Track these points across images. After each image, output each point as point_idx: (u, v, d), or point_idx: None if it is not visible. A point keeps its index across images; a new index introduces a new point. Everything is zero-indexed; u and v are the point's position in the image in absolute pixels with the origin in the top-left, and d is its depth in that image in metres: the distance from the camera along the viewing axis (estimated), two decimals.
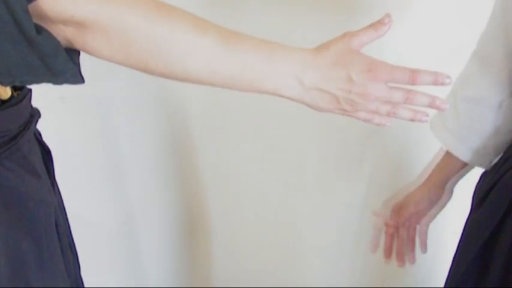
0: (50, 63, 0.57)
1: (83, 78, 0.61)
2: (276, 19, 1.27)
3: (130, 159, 1.34)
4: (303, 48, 0.65)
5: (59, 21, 0.57)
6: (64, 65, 0.58)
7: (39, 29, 0.55)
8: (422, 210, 1.06)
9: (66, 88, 0.64)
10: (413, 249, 1.09)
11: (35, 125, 0.72)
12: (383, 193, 1.11)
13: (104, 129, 1.29)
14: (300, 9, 1.28)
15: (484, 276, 0.90)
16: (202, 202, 1.45)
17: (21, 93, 0.68)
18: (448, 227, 1.36)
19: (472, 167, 1.02)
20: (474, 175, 0.98)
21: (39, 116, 0.73)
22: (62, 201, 0.79)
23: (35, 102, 0.73)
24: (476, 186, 0.96)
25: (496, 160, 0.97)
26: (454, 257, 0.95)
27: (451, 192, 1.06)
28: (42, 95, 0.76)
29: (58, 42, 0.57)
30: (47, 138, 0.77)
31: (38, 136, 0.75)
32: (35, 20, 0.55)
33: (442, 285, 0.98)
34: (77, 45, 0.60)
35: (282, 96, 0.66)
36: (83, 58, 0.62)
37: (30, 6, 0.54)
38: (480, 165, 1.00)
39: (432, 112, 0.71)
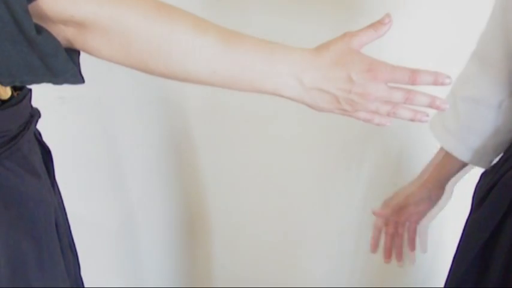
0: (50, 63, 0.57)
1: (83, 78, 0.61)
2: (276, 19, 1.27)
3: (130, 159, 1.34)
4: (303, 48, 0.65)
5: (59, 21, 0.57)
6: (64, 65, 0.58)
7: (39, 29, 0.55)
8: (423, 210, 1.06)
9: (66, 88, 0.64)
10: (413, 249, 1.09)
11: (35, 125, 0.72)
12: (383, 193, 1.11)
13: (103, 129, 1.29)
14: (300, 9, 1.28)
15: (484, 276, 0.90)
16: (202, 202, 1.45)
17: (21, 93, 0.68)
18: (448, 227, 1.36)
19: (471, 167, 1.02)
20: (474, 175, 0.98)
21: (39, 116, 0.73)
22: (62, 201, 0.79)
23: (35, 102, 0.73)
24: (476, 186, 0.96)
25: (496, 160, 0.97)
26: (454, 257, 0.95)
27: (451, 192, 1.06)
28: (42, 95, 0.76)
29: (58, 42, 0.57)
30: (47, 138, 0.77)
31: (38, 136, 0.75)
32: (35, 20, 0.55)
33: (442, 285, 0.98)
34: (77, 45, 0.60)
35: (282, 96, 0.66)
36: (83, 58, 0.62)
37: (30, 6, 0.54)
38: (480, 165, 1.00)
39: (432, 112, 0.71)
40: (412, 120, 0.68)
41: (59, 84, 0.60)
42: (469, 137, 0.98)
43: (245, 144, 1.40)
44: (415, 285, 1.52)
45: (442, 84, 0.65)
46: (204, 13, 0.64)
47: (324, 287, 1.51)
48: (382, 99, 0.65)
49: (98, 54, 0.61)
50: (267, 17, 1.27)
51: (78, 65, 0.60)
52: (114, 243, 1.38)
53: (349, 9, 1.28)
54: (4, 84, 0.61)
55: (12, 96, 0.66)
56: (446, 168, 1.03)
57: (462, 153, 0.99)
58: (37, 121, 0.72)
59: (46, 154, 0.75)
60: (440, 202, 1.06)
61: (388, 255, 1.09)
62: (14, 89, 0.67)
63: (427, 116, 0.69)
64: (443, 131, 1.00)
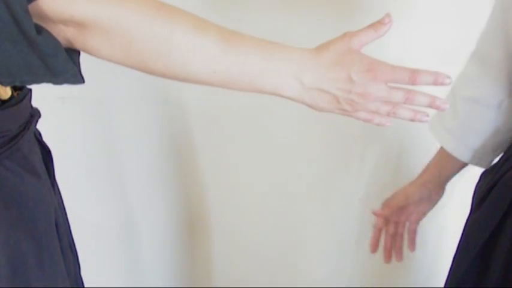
0: (50, 63, 0.57)
1: (83, 78, 0.61)
2: (276, 19, 1.27)
3: (130, 159, 1.34)
4: (303, 48, 0.65)
5: (59, 21, 0.57)
6: (64, 65, 0.58)
7: (39, 29, 0.55)
8: (423, 210, 1.06)
9: (66, 88, 0.64)
10: (413, 249, 1.09)
11: (35, 125, 0.72)
12: (383, 193, 1.11)
13: (103, 129, 1.29)
14: (300, 9, 1.28)
15: (484, 276, 0.90)
16: (202, 202, 1.45)
17: (21, 93, 0.68)
18: (448, 227, 1.36)
19: (466, 165, 1.02)
20: (474, 175, 0.98)
21: (39, 116, 0.73)
22: (62, 201, 0.79)
23: (35, 102, 0.73)
24: (476, 186, 0.96)
25: (496, 160, 0.97)
26: (454, 257, 0.95)
27: (443, 190, 1.06)
28: (42, 95, 0.76)
29: (58, 42, 0.57)
30: (47, 138, 0.77)
31: (38, 136, 0.75)
32: (35, 20, 0.55)
33: (442, 285, 0.98)
34: (77, 45, 0.60)
35: (282, 96, 0.66)
36: (83, 58, 0.62)
37: (30, 6, 0.54)
38: (479, 165, 1.00)
39: (432, 112, 0.71)
40: (412, 120, 0.68)
41: (59, 84, 0.60)
42: (469, 137, 0.98)
43: (245, 144, 1.40)
44: (415, 285, 1.52)
45: (442, 84, 0.65)
46: (204, 13, 0.64)
47: (324, 287, 1.51)
48: (382, 99, 0.65)
49: (98, 54, 0.61)
50: (267, 17, 1.27)
51: (78, 65, 0.60)
52: (114, 243, 1.38)
53: (349, 9, 1.28)
54: (4, 84, 0.61)
55: (12, 96, 0.66)
56: (447, 168, 1.03)
57: (462, 153, 0.99)
58: (37, 121, 0.72)
59: (46, 154, 0.75)
60: (433, 200, 1.06)
61: (388, 256, 1.09)
62: (14, 89, 0.67)
63: (427, 116, 0.69)
64: (442, 131, 1.00)
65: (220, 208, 1.45)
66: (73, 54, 0.60)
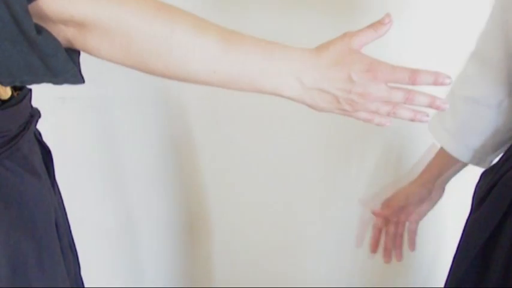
0: (50, 63, 0.57)
1: (83, 78, 0.61)
2: (276, 19, 1.27)
3: (130, 159, 1.34)
4: (303, 48, 0.65)
5: (59, 21, 0.57)
6: (64, 65, 0.58)
7: (40, 29, 0.55)
8: (412, 206, 1.06)
9: (66, 88, 0.64)
10: (413, 249, 1.09)
11: (35, 125, 0.72)
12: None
13: (103, 129, 1.29)
14: (300, 9, 1.28)
15: (484, 276, 0.90)
16: (202, 202, 1.45)
17: (21, 93, 0.68)
18: (448, 227, 1.36)
19: (465, 165, 1.02)
20: (474, 175, 0.98)
21: (39, 116, 0.73)
22: (62, 201, 0.79)
23: (35, 102, 0.73)
24: (476, 186, 0.96)
25: (496, 160, 0.97)
26: (454, 257, 0.95)
27: (443, 189, 1.06)
28: (42, 95, 0.76)
29: (58, 42, 0.57)
30: (47, 138, 0.77)
31: (38, 136, 0.75)
32: (35, 20, 0.55)
33: (442, 285, 0.98)
34: (77, 45, 0.60)
35: (282, 96, 0.66)
36: (83, 58, 0.62)
37: (31, 6, 0.54)
38: (479, 165, 1.00)
39: (432, 112, 0.71)
40: (412, 120, 0.68)
41: (59, 84, 0.60)
42: (469, 137, 0.98)
43: (245, 144, 1.40)
44: (415, 285, 1.52)
45: (442, 84, 0.65)
46: (204, 13, 0.64)
47: (324, 287, 1.51)
48: (382, 99, 0.65)
49: (98, 54, 0.61)
50: (267, 17, 1.27)
51: (78, 65, 0.60)
52: (114, 243, 1.38)
53: (349, 9, 1.28)
54: (4, 84, 0.61)
55: (12, 96, 0.66)
56: (439, 165, 1.03)
57: (462, 153, 0.99)
58: (37, 121, 0.72)
59: (46, 154, 0.75)
60: (432, 199, 1.07)
61: (388, 255, 1.09)
62: (14, 89, 0.67)
63: (427, 116, 0.69)
64: (442, 131, 1.00)
65: (220, 208, 1.45)
66: (73, 54, 0.60)
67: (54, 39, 0.56)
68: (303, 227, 1.48)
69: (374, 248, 1.10)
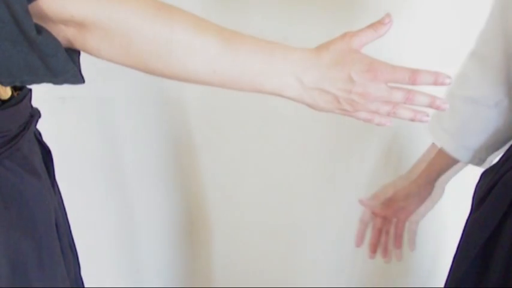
0: (50, 63, 0.57)
1: (83, 78, 0.61)
2: (276, 19, 1.27)
3: (131, 159, 1.34)
4: (303, 48, 0.65)
5: (59, 21, 0.57)
6: (64, 65, 0.58)
7: (40, 29, 0.55)
8: (412, 206, 1.06)
9: (66, 88, 0.64)
10: (399, 247, 1.09)
11: (35, 125, 0.72)
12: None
13: (104, 129, 1.29)
14: (300, 9, 1.28)
15: (484, 276, 0.90)
16: (202, 202, 1.45)
17: (21, 93, 0.68)
18: (448, 227, 1.36)
19: (463, 165, 1.02)
20: (474, 175, 0.98)
21: (39, 116, 0.73)
22: (62, 201, 0.79)
23: (35, 102, 0.73)
24: (477, 186, 0.96)
25: (496, 160, 0.97)
26: (454, 257, 0.95)
27: (443, 189, 1.06)
28: (42, 95, 0.76)
29: (58, 42, 0.57)
30: (47, 138, 0.77)
31: (38, 136, 0.75)
32: (35, 20, 0.55)
33: (442, 285, 0.98)
34: (77, 45, 0.60)
35: (282, 96, 0.66)
36: (83, 58, 0.62)
37: (31, 6, 0.54)
38: (478, 165, 1.00)
39: (432, 112, 0.71)
40: (412, 120, 0.68)
41: (59, 84, 0.60)
42: (467, 137, 0.98)
43: (245, 144, 1.40)
44: (415, 285, 1.52)
45: (442, 84, 0.65)
46: (204, 13, 0.64)
47: (324, 287, 1.51)
48: (382, 99, 0.65)
49: (98, 54, 0.61)
50: (267, 17, 1.27)
51: (78, 65, 0.60)
52: (114, 243, 1.38)
53: (349, 9, 1.28)
54: (4, 84, 0.61)
55: (12, 96, 0.66)
56: (438, 165, 1.03)
57: (461, 153, 0.99)
58: (37, 121, 0.72)
59: (46, 154, 0.75)
60: (431, 199, 1.06)
61: (373, 250, 1.09)
62: (14, 89, 0.67)
63: (427, 116, 0.69)
64: (441, 131, 1.00)
65: (220, 208, 1.45)
66: (73, 54, 0.60)
67: (54, 39, 0.56)
68: (302, 227, 1.48)
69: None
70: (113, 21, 0.58)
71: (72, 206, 0.82)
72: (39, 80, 0.59)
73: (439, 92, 0.72)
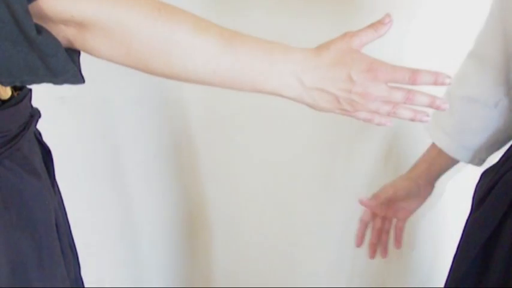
0: (50, 63, 0.57)
1: (83, 78, 0.61)
2: (276, 19, 1.27)
3: (131, 159, 1.34)
4: (303, 48, 0.65)
5: (59, 21, 0.57)
6: (64, 65, 0.58)
7: (40, 29, 0.55)
8: (400, 201, 1.06)
9: (66, 88, 0.64)
10: (399, 247, 1.09)
11: (35, 125, 0.72)
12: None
13: (104, 129, 1.29)
14: (300, 9, 1.28)
15: (484, 276, 0.90)
16: (202, 202, 1.45)
17: (21, 93, 0.68)
18: (448, 227, 1.36)
19: (463, 165, 1.02)
20: (474, 175, 0.98)
21: (39, 116, 0.73)
22: (62, 201, 0.79)
23: (35, 102, 0.73)
24: (477, 186, 0.96)
25: (496, 160, 0.97)
26: (454, 257, 0.95)
27: (432, 186, 1.06)
28: (42, 95, 0.76)
29: (58, 42, 0.57)
30: (47, 138, 0.77)
31: (38, 136, 0.75)
32: (36, 20, 0.55)
33: (442, 285, 0.98)
34: (77, 45, 0.60)
35: (282, 96, 0.66)
36: (83, 58, 0.61)
37: (31, 6, 0.54)
38: (476, 164, 1.00)
39: (432, 112, 0.71)
40: (413, 120, 0.68)
41: (59, 84, 0.60)
42: (466, 136, 0.98)
43: (245, 144, 1.40)
44: (415, 285, 1.52)
45: (443, 84, 0.65)
46: (204, 13, 0.64)
47: (324, 287, 1.51)
48: (383, 99, 0.65)
49: (98, 54, 0.61)
50: (267, 17, 1.27)
51: (78, 65, 0.60)
52: (114, 243, 1.38)
53: (350, 9, 1.28)
54: (4, 84, 0.61)
55: (12, 96, 0.66)
56: (438, 165, 1.03)
57: (457, 151, 0.99)
58: (37, 121, 0.72)
59: (46, 154, 0.75)
60: (421, 197, 1.06)
61: (373, 250, 1.09)
62: (14, 89, 0.67)
63: (428, 116, 0.69)
64: (437, 129, 1.00)
65: (220, 208, 1.45)
66: (73, 54, 0.60)
67: (54, 39, 0.56)
68: (303, 227, 1.48)
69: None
70: (113, 21, 0.58)
71: (72, 206, 0.82)
72: (39, 80, 0.59)
73: (438, 92, 0.72)
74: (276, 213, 1.46)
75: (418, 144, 1.36)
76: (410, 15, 1.28)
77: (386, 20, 0.66)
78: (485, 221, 0.88)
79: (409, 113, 0.68)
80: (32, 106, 0.72)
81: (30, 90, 0.70)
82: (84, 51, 0.61)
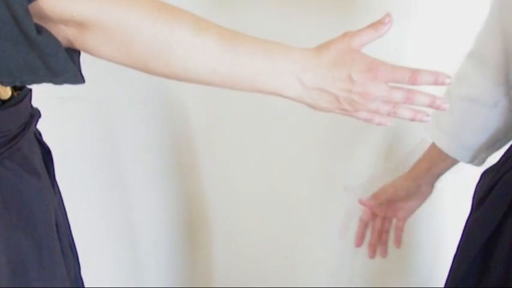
0: (50, 63, 0.57)
1: (83, 78, 0.61)
2: (276, 19, 1.27)
3: (131, 159, 1.34)
4: (303, 48, 0.65)
5: (59, 21, 0.57)
6: (64, 65, 0.58)
7: (40, 29, 0.55)
8: (399, 201, 1.06)
9: (66, 88, 0.64)
10: (399, 247, 1.09)
11: (35, 125, 0.72)
12: None
13: (104, 129, 1.29)
14: (300, 9, 1.28)
15: (484, 276, 0.90)
16: (202, 202, 1.45)
17: (21, 93, 0.68)
18: (448, 227, 1.36)
19: (456, 161, 1.02)
20: (474, 175, 0.98)
21: (39, 116, 0.73)
22: (62, 201, 0.79)
23: (35, 102, 0.73)
24: (477, 186, 0.96)
25: (496, 160, 0.97)
26: (454, 257, 0.95)
27: (432, 186, 1.06)
28: (42, 95, 0.76)
29: (58, 42, 0.57)
30: (47, 138, 0.77)
31: (38, 136, 0.75)
32: (36, 20, 0.55)
33: (442, 285, 0.98)
34: (77, 45, 0.60)
35: (282, 96, 0.66)
36: (83, 58, 0.61)
37: (31, 6, 0.54)
38: (476, 164, 1.00)
39: (432, 112, 0.71)
40: (413, 120, 0.68)
41: (59, 84, 0.60)
42: (464, 136, 0.98)
43: (245, 144, 1.40)
44: (415, 285, 1.52)
45: (443, 84, 0.65)
46: (204, 13, 0.64)
47: (324, 287, 1.51)
48: (383, 99, 0.65)
49: (98, 54, 0.61)
50: (267, 17, 1.27)
51: (78, 65, 0.60)
52: (114, 243, 1.38)
53: (349, 9, 1.28)
54: (4, 84, 0.61)
55: (12, 96, 0.66)
56: (439, 165, 1.02)
57: (457, 151, 0.99)
58: (37, 121, 0.72)
59: (46, 154, 0.75)
60: (421, 197, 1.06)
61: (372, 251, 1.09)
62: (14, 89, 0.67)
63: (428, 115, 0.69)
64: (436, 128, 1.00)
65: (221, 208, 1.45)
66: (73, 54, 0.60)
67: (54, 39, 0.56)
68: (302, 227, 1.48)
69: (359, 242, 1.09)
70: (113, 21, 0.58)
71: (72, 206, 0.82)
72: (39, 80, 0.59)
73: (438, 92, 0.72)
74: (276, 213, 1.46)
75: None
76: (410, 15, 1.28)
77: (386, 19, 0.66)
78: (485, 221, 0.88)
79: (409, 113, 0.68)
80: (32, 106, 0.72)
81: (30, 90, 0.70)
82: (84, 51, 0.61)
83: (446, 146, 0.99)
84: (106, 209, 1.34)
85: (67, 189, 0.82)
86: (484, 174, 0.96)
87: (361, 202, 1.08)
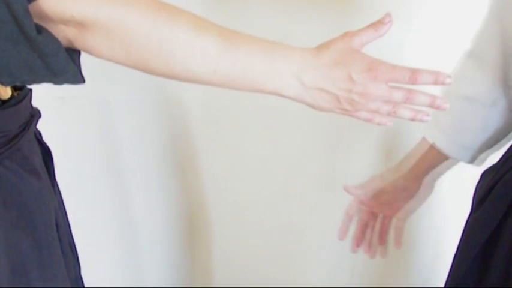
0: (50, 63, 0.57)
1: (83, 78, 0.61)
2: (276, 19, 1.27)
3: (131, 159, 1.34)
4: (303, 47, 0.65)
5: (59, 21, 0.57)
6: (64, 65, 0.58)
7: (40, 29, 0.55)
8: (399, 201, 1.05)
9: (66, 88, 0.64)
10: (382, 243, 1.08)
11: (35, 125, 0.72)
12: None
13: (104, 129, 1.29)
14: (300, 9, 1.28)
15: (484, 276, 0.90)
16: (203, 202, 1.45)
17: (22, 93, 0.68)
18: (448, 227, 1.36)
19: (454, 163, 1.01)
20: (474, 175, 0.98)
21: (39, 116, 0.73)
22: (62, 201, 0.79)
23: (35, 102, 0.73)
24: (477, 186, 0.96)
25: (496, 160, 0.97)
26: (455, 257, 0.95)
27: (432, 186, 1.05)
28: (42, 95, 0.76)
29: (58, 42, 0.57)
30: (47, 138, 0.77)
31: (38, 136, 0.75)
32: (36, 20, 0.55)
33: (442, 285, 0.98)
34: (77, 44, 0.60)
35: (282, 96, 0.66)
36: (83, 58, 0.61)
37: (31, 6, 0.54)
38: (473, 164, 1.00)
39: (432, 112, 0.71)
40: (413, 119, 0.68)
41: (59, 84, 0.60)
42: (463, 136, 0.97)
43: (245, 144, 1.40)
44: (415, 285, 1.52)
45: (443, 84, 0.65)
46: (204, 13, 0.64)
47: (324, 287, 1.51)
48: (383, 98, 0.65)
49: (98, 54, 0.61)
50: (267, 17, 1.27)
51: (78, 65, 0.60)
52: (114, 243, 1.38)
53: (349, 9, 1.28)
54: (4, 84, 0.61)
55: (12, 96, 0.66)
56: (428, 161, 1.02)
57: (457, 151, 0.99)
58: (37, 121, 0.72)
59: (46, 154, 0.75)
60: (420, 197, 1.06)
61: (356, 244, 1.08)
62: (14, 89, 0.67)
63: (428, 115, 0.69)
64: (433, 128, 1.00)
65: (220, 208, 1.45)
66: (73, 54, 0.60)
67: (54, 39, 0.56)
68: (302, 227, 1.48)
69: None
70: (114, 21, 0.58)
71: (72, 206, 0.82)
72: (39, 80, 0.59)
73: (437, 91, 0.72)
74: (276, 213, 1.46)
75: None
76: (410, 15, 1.28)
77: (386, 19, 0.66)
78: (485, 221, 0.88)
79: (409, 112, 0.68)
80: (32, 106, 0.72)
81: (30, 90, 0.70)
82: (84, 51, 0.61)
83: (446, 146, 0.99)
84: (106, 208, 1.34)
85: (67, 189, 0.82)
86: (484, 174, 0.96)
87: (347, 190, 1.07)
